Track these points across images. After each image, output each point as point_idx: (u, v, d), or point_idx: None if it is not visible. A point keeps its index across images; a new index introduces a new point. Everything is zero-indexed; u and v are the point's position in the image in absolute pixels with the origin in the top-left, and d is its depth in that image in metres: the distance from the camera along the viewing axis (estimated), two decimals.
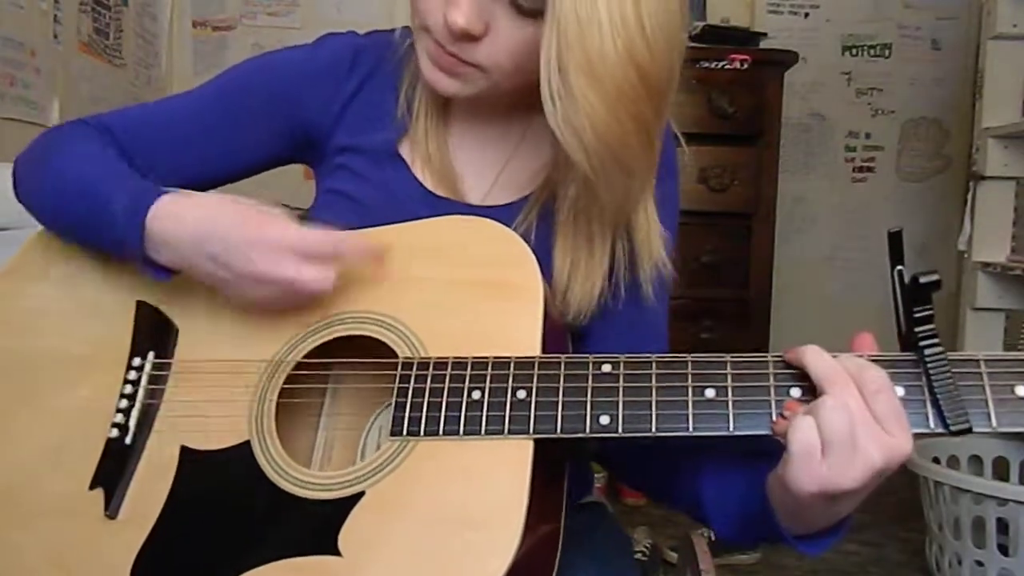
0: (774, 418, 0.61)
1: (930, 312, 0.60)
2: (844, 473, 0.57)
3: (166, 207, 0.73)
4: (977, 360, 0.60)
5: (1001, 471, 2.13)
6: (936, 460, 2.07)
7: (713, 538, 2.11)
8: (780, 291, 2.65)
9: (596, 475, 2.40)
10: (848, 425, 0.57)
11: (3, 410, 0.77)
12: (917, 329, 0.60)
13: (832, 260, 3.17)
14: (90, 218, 0.76)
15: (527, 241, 0.75)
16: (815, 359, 0.61)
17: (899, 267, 0.61)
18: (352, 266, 0.72)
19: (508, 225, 0.75)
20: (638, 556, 1.94)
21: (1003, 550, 1.80)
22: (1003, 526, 1.80)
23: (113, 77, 2.63)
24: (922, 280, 0.59)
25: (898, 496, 2.25)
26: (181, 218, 0.72)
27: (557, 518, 0.70)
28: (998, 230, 2.26)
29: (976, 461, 2.15)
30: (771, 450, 0.64)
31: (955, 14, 3.08)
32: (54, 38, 2.27)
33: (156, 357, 0.77)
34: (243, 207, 0.72)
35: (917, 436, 0.59)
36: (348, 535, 0.63)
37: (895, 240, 0.61)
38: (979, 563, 1.83)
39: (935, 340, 0.60)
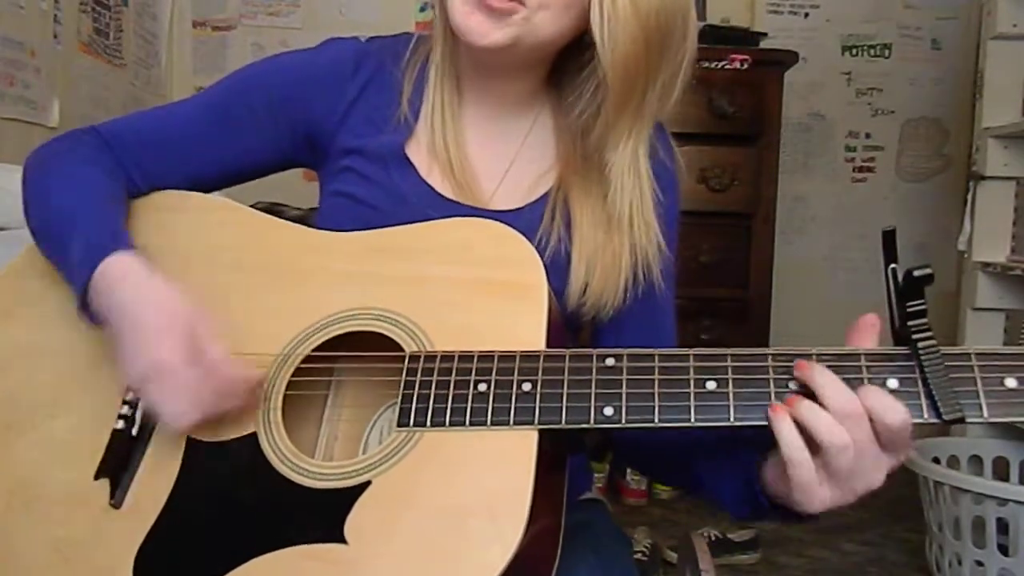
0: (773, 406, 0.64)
1: (923, 307, 0.62)
2: (844, 497, 0.63)
3: (112, 268, 0.73)
4: (968, 354, 0.62)
5: (1001, 471, 2.13)
6: (936, 460, 2.08)
7: (713, 538, 2.12)
8: (780, 291, 2.65)
9: (596, 474, 2.41)
10: (854, 462, 0.61)
11: (8, 402, 0.77)
12: (910, 323, 0.62)
13: (832, 260, 3.17)
14: (56, 246, 0.79)
15: (552, 245, 0.79)
16: (832, 390, 0.62)
17: (893, 265, 0.63)
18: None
19: (528, 231, 0.76)
20: (638, 556, 1.94)
21: (1003, 550, 1.80)
22: (1003, 526, 1.80)
23: (113, 77, 2.63)
24: (916, 274, 0.61)
25: (898, 496, 2.25)
26: (111, 289, 0.72)
27: (558, 513, 0.71)
28: (998, 230, 2.26)
29: (976, 461, 2.15)
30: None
31: (955, 14, 3.08)
32: (54, 38, 2.27)
33: None
34: (177, 319, 0.70)
35: (912, 427, 0.62)
36: (354, 523, 0.64)
37: (889, 239, 0.64)
38: (979, 563, 1.83)
39: (928, 334, 0.62)
